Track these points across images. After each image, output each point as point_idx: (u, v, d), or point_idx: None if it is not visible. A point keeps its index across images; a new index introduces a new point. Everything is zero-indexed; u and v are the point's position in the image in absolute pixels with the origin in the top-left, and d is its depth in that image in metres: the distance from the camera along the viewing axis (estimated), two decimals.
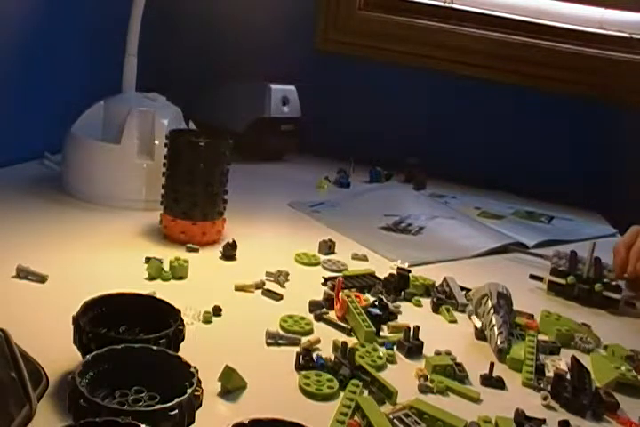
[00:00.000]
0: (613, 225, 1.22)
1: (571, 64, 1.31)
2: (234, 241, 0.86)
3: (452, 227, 1.07)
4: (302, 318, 0.71)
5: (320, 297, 0.76)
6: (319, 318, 0.72)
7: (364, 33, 1.40)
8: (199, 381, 0.48)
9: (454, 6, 1.40)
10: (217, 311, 0.70)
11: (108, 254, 0.82)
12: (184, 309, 0.66)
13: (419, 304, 0.79)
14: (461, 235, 1.04)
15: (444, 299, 0.80)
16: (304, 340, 0.67)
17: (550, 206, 1.27)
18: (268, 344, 0.66)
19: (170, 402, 0.45)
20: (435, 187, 1.29)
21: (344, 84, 1.44)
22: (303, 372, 0.61)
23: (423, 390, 0.61)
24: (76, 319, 0.55)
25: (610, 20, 1.33)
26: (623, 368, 0.67)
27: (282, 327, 0.69)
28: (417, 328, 0.69)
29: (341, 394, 0.58)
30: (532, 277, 0.90)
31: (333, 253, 0.91)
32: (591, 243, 0.88)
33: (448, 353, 0.67)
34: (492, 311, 0.72)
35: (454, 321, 0.76)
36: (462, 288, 0.83)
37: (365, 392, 0.59)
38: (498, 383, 0.64)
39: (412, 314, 0.76)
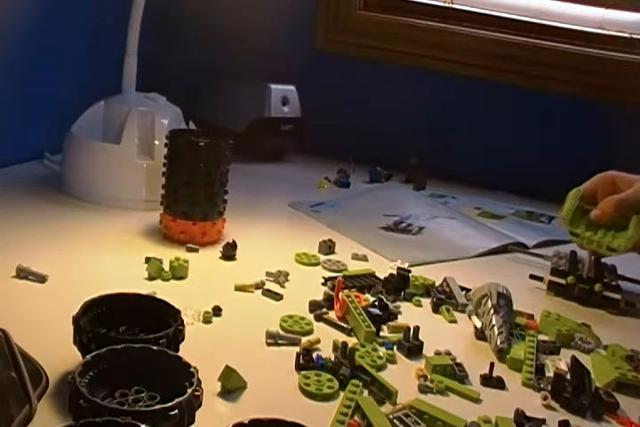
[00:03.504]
0: None
1: (571, 64, 1.31)
2: (234, 241, 0.86)
3: (452, 227, 1.07)
4: (302, 318, 0.71)
5: (320, 297, 0.76)
6: (319, 318, 0.72)
7: (364, 33, 1.40)
8: (199, 381, 0.48)
9: (454, 6, 1.40)
10: (217, 311, 0.70)
11: (107, 254, 0.82)
12: (184, 309, 0.66)
13: (419, 304, 0.79)
14: (461, 235, 1.04)
15: (444, 299, 0.80)
16: (304, 340, 0.67)
17: (550, 206, 1.26)
18: (268, 344, 0.66)
19: (170, 402, 0.45)
20: (435, 187, 1.29)
21: (344, 84, 1.44)
22: (303, 372, 0.61)
23: (423, 390, 0.61)
24: (76, 319, 0.55)
25: (610, 20, 1.33)
26: (623, 368, 0.67)
27: (282, 327, 0.69)
28: (417, 328, 0.69)
29: (341, 394, 0.58)
30: (532, 277, 0.90)
31: (333, 253, 0.91)
32: None
33: (448, 353, 0.67)
34: (492, 311, 0.72)
35: (454, 321, 0.76)
36: (462, 288, 0.82)
37: (365, 392, 0.59)
38: (498, 383, 0.64)
39: (411, 314, 0.76)
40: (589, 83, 1.30)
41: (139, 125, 0.98)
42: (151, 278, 0.77)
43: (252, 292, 0.77)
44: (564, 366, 0.66)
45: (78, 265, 0.79)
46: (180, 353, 0.52)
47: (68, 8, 1.16)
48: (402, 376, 0.63)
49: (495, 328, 0.70)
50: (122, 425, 0.42)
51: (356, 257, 0.91)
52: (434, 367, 0.64)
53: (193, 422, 0.47)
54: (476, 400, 0.61)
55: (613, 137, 1.30)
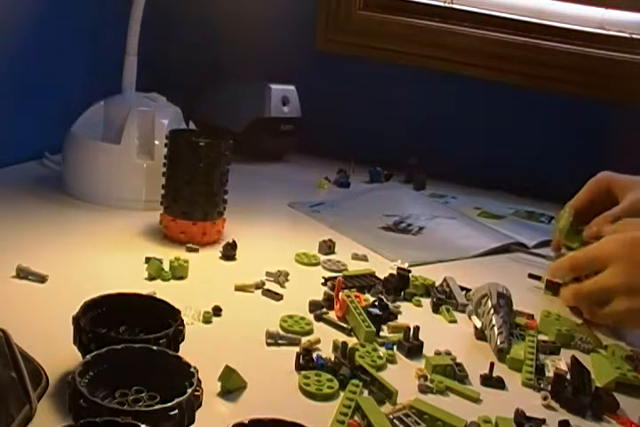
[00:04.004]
0: None
1: (571, 64, 1.31)
2: (234, 241, 0.86)
3: (452, 227, 1.07)
4: (302, 318, 0.71)
5: (320, 297, 0.76)
6: (319, 318, 0.72)
7: (364, 33, 1.40)
8: (199, 381, 0.48)
9: (454, 6, 1.40)
10: (217, 311, 0.70)
11: (107, 254, 0.82)
12: (184, 309, 0.66)
13: (419, 304, 0.79)
14: (461, 235, 1.04)
15: (444, 299, 0.80)
16: (304, 340, 0.67)
17: (550, 206, 1.27)
18: (268, 344, 0.66)
19: (170, 402, 0.45)
20: (435, 187, 1.29)
21: (344, 84, 1.44)
22: (303, 372, 0.61)
23: (423, 390, 0.61)
24: (76, 319, 0.55)
25: (610, 20, 1.33)
26: (623, 368, 0.67)
27: (282, 327, 0.69)
28: (417, 328, 0.69)
29: (341, 394, 0.58)
30: (531, 276, 0.90)
31: (333, 253, 0.91)
32: None
33: (448, 353, 0.67)
34: (492, 311, 0.72)
35: (454, 321, 0.76)
36: (462, 288, 0.83)
37: (365, 392, 0.59)
38: (498, 383, 0.64)
39: (412, 314, 0.76)
40: (589, 83, 1.30)
41: (139, 125, 0.98)
42: (151, 278, 0.77)
43: (252, 292, 0.77)
44: (563, 366, 0.66)
45: (78, 265, 0.79)
46: (180, 353, 0.52)
47: (68, 8, 1.16)
48: (402, 376, 0.63)
49: (495, 328, 0.70)
50: (122, 425, 0.42)
51: (356, 257, 0.91)
52: (434, 367, 0.64)
53: (193, 422, 0.47)
54: (476, 400, 0.61)
55: (613, 137, 1.30)
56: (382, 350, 0.67)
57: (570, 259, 0.81)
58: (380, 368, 0.64)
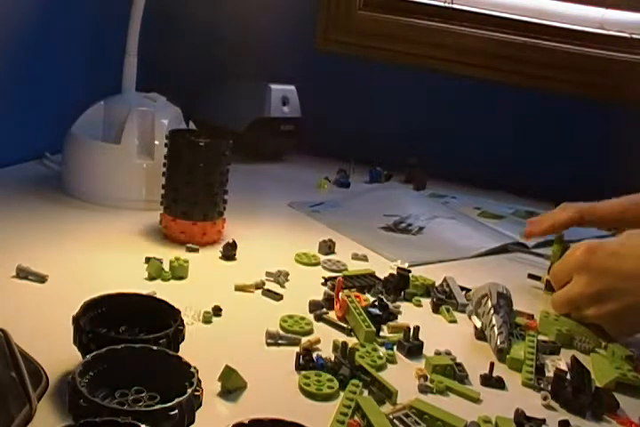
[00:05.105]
0: None
1: (571, 64, 1.31)
2: (234, 241, 0.86)
3: (452, 227, 1.07)
4: (302, 318, 0.71)
5: (320, 297, 0.76)
6: (319, 318, 0.72)
7: (364, 33, 1.40)
8: (199, 381, 0.48)
9: (454, 6, 1.40)
10: (217, 311, 0.70)
11: (107, 254, 0.82)
12: (184, 309, 0.66)
13: (419, 304, 0.79)
14: (461, 235, 1.04)
15: (443, 299, 0.80)
16: (304, 340, 0.67)
17: (550, 206, 1.26)
18: (268, 344, 0.66)
19: (170, 402, 0.45)
20: (435, 187, 1.29)
21: (344, 84, 1.44)
22: (303, 372, 0.61)
23: (423, 390, 0.61)
24: (76, 319, 0.55)
25: (610, 20, 1.33)
26: (623, 368, 0.67)
27: (282, 327, 0.69)
28: (417, 328, 0.69)
29: (341, 394, 0.58)
30: (531, 276, 0.90)
31: (333, 253, 0.91)
32: None
33: (448, 353, 0.67)
34: (492, 311, 0.72)
35: (454, 321, 0.76)
36: (462, 288, 0.82)
37: (365, 392, 0.59)
38: (498, 383, 0.64)
39: (412, 314, 0.76)
40: (589, 83, 1.30)
41: (139, 125, 0.98)
42: (151, 278, 0.77)
43: (252, 292, 0.77)
44: (564, 366, 0.66)
45: (78, 265, 0.79)
46: (180, 353, 0.52)
47: (68, 8, 1.16)
48: (402, 376, 0.63)
49: (495, 328, 0.70)
50: (122, 425, 0.42)
51: (355, 257, 0.91)
52: (434, 367, 0.64)
53: (193, 422, 0.47)
54: (476, 400, 0.61)
55: (613, 137, 1.30)
56: (382, 350, 0.67)
57: (551, 273, 0.83)
58: (380, 368, 0.64)
